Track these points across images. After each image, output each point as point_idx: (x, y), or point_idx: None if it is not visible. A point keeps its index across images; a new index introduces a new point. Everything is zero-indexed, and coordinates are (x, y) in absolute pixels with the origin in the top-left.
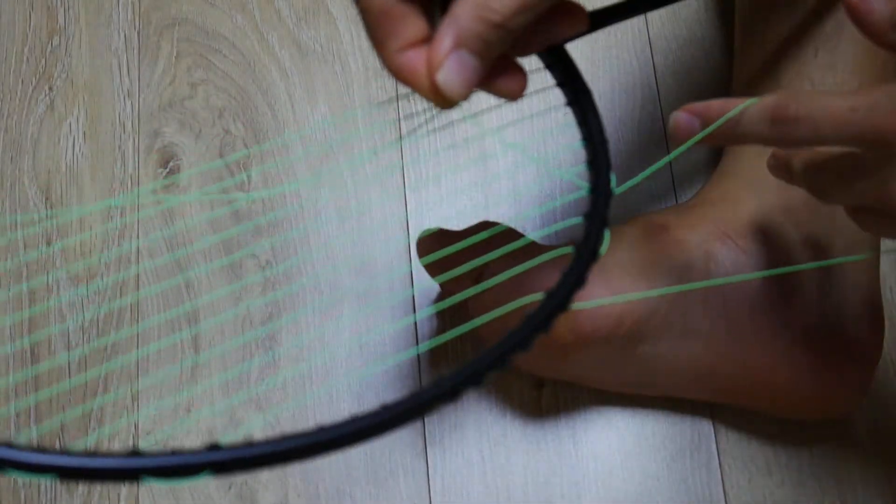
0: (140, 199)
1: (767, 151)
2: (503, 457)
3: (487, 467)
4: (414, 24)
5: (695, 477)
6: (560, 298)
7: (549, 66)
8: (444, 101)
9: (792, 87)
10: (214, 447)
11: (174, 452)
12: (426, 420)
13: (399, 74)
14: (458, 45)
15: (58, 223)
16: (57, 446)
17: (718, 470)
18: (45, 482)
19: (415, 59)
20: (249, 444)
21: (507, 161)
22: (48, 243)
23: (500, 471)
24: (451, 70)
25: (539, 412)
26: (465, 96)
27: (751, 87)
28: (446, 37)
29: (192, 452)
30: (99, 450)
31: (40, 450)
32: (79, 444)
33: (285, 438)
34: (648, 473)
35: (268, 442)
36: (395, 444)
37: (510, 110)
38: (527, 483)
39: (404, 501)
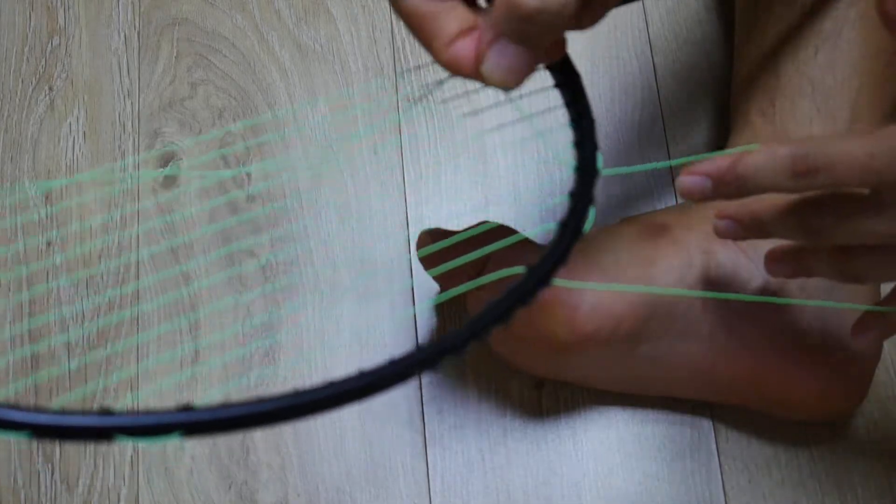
0: (140, 200)
1: None
2: (503, 457)
3: (487, 467)
4: (455, 18)
5: (695, 477)
6: (542, 273)
7: (549, 67)
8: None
9: (791, 88)
10: (187, 408)
11: (147, 412)
12: (426, 420)
13: (449, 69)
14: (498, 35)
15: (58, 219)
16: (56, 450)
17: (718, 470)
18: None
19: (463, 51)
20: (223, 406)
21: (507, 161)
22: (48, 243)
23: (500, 471)
24: (493, 61)
25: (539, 412)
26: (517, 83)
27: (751, 87)
28: (486, 28)
29: (165, 412)
30: (71, 408)
31: (14, 407)
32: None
33: (260, 401)
34: (648, 473)
35: (241, 404)
36: (395, 444)
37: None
38: (527, 483)
39: (404, 501)
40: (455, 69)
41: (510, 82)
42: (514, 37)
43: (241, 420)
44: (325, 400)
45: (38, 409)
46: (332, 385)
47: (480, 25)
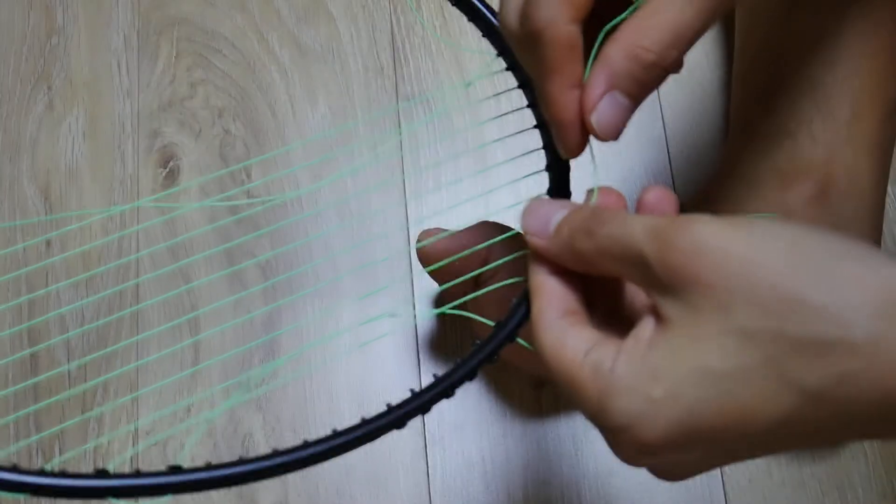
0: (140, 200)
1: (767, 152)
2: (503, 457)
3: (487, 467)
4: (581, 65)
5: (695, 477)
6: (509, 331)
7: (511, 68)
8: (578, 146)
9: (791, 87)
10: (177, 469)
11: (139, 474)
12: (426, 420)
13: (554, 109)
14: (612, 86)
15: (58, 226)
16: (56, 451)
17: (718, 470)
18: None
19: (572, 101)
20: (209, 467)
21: (507, 160)
22: (48, 245)
23: (500, 471)
24: (604, 112)
25: (539, 412)
26: (616, 137)
27: (750, 87)
28: (599, 78)
29: (156, 474)
30: (68, 470)
31: (14, 469)
32: (78, 445)
33: (243, 461)
34: (648, 473)
35: (228, 465)
36: (395, 444)
37: (508, 105)
38: (527, 483)
39: (404, 501)
40: (559, 112)
41: (613, 136)
42: (627, 87)
43: (227, 479)
44: (304, 459)
45: (36, 472)
46: (307, 445)
47: (592, 75)
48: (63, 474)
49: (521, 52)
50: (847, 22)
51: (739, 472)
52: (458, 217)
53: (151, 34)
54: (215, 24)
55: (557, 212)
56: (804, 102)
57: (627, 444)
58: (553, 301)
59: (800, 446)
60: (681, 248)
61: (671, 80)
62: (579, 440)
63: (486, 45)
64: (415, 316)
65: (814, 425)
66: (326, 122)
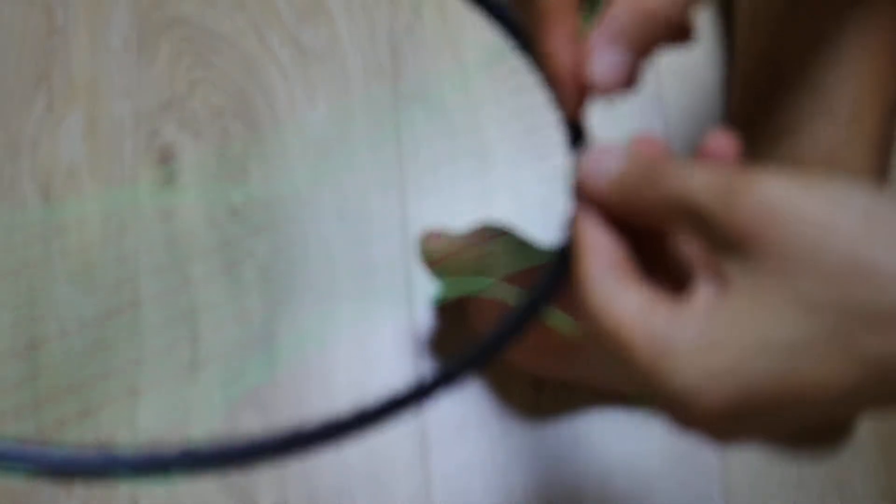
0: (139, 198)
1: (768, 152)
2: (503, 457)
3: (488, 467)
4: (577, 15)
5: (695, 477)
6: (536, 304)
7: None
8: (577, 102)
9: (792, 87)
10: (188, 448)
11: (148, 451)
12: (426, 420)
13: (550, 60)
14: (612, 35)
15: (57, 226)
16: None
17: (718, 470)
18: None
19: (569, 51)
20: (223, 445)
21: (507, 160)
22: (47, 242)
23: (500, 471)
24: (601, 62)
25: (539, 413)
26: (613, 91)
27: (751, 86)
28: (599, 27)
29: (166, 450)
30: (69, 444)
31: (15, 442)
32: (75, 440)
33: (257, 440)
34: (648, 473)
35: (242, 443)
36: (395, 444)
37: (508, 102)
38: (527, 483)
39: (404, 501)
40: (556, 64)
41: (611, 86)
42: (627, 38)
43: (242, 458)
44: (322, 437)
45: (35, 444)
46: (329, 423)
47: (596, 27)
48: (62, 448)
49: (518, 5)
50: (848, 23)
51: (739, 472)
52: (458, 215)
53: (151, 34)
54: (215, 24)
55: (616, 157)
56: (804, 102)
57: (681, 414)
58: (601, 253)
59: (854, 414)
60: (748, 205)
61: (672, 78)
62: (579, 440)
63: (486, 42)
64: (414, 315)
65: (874, 396)
66: (325, 121)
